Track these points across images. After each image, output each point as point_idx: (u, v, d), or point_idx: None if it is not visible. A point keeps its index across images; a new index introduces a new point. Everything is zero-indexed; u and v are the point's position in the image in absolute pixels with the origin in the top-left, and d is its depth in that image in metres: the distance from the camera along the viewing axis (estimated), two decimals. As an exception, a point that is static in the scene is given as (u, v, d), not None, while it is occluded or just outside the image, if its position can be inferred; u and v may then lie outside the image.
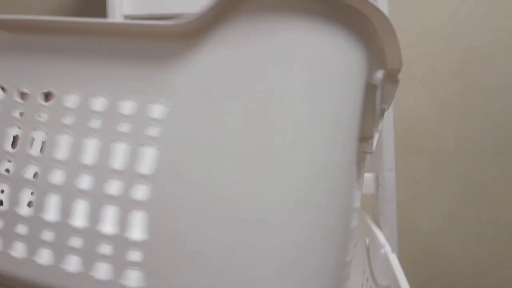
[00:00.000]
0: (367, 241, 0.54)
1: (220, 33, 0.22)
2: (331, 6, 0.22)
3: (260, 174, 0.21)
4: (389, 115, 0.56)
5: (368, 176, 0.57)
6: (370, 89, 0.26)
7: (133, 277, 0.22)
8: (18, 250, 0.24)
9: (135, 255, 0.22)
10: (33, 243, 0.24)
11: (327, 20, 0.22)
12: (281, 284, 0.21)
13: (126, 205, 0.23)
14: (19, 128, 0.25)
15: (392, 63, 0.28)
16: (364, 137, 0.28)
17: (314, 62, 0.22)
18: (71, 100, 0.24)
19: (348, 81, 0.24)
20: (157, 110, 0.23)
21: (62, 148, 0.24)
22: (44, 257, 0.24)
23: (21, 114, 0.25)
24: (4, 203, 0.24)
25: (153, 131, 0.23)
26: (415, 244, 0.83)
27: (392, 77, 0.30)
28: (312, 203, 0.22)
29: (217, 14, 0.22)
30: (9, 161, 0.25)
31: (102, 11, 0.56)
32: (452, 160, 0.82)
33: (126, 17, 0.55)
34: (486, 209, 0.83)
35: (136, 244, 0.22)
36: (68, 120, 0.24)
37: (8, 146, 0.25)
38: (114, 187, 0.23)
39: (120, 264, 0.22)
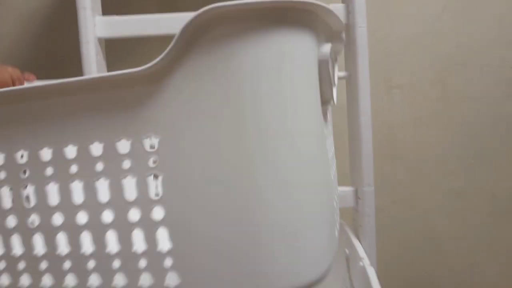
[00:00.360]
0: (347, 251, 0.58)
1: (187, 67, 0.25)
2: (281, 16, 0.25)
3: (254, 173, 0.26)
4: (367, 127, 0.56)
5: (348, 189, 0.59)
6: (322, 64, 0.30)
7: (170, 279, 0.28)
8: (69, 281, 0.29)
9: (167, 263, 0.28)
10: (83, 276, 0.29)
11: (281, 26, 0.25)
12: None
13: (149, 226, 0.27)
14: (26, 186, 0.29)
15: (335, 27, 0.31)
16: (325, 100, 0.32)
17: (278, 67, 0.26)
18: (72, 151, 0.28)
19: (307, 64, 0.28)
20: (150, 143, 0.27)
21: (79, 192, 0.28)
22: (94, 279, 0.29)
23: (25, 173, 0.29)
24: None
25: (152, 161, 0.27)
26: (394, 249, 0.86)
27: (338, 37, 0.33)
28: (314, 165, 0.27)
29: (179, 52, 0.24)
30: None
31: (75, 34, 0.54)
32: (431, 167, 0.83)
33: (100, 39, 0.54)
34: (463, 215, 0.85)
35: (166, 254, 0.27)
36: (74, 168, 0.28)
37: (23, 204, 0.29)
38: (134, 215, 0.27)
39: (158, 272, 0.27)
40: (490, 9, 0.79)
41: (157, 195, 0.27)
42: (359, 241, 0.59)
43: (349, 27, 0.57)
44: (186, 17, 0.24)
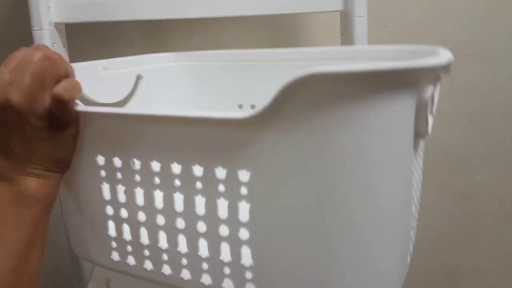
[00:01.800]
0: None
1: (280, 119, 0.27)
2: (374, 81, 0.25)
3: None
4: None
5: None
6: (420, 107, 0.29)
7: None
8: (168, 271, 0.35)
9: (248, 276, 0.32)
10: (177, 266, 0.34)
11: (375, 90, 0.26)
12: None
13: (235, 243, 0.31)
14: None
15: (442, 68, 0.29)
16: (419, 133, 0.32)
17: (369, 126, 0.26)
18: (177, 168, 0.32)
19: (400, 119, 0.28)
20: (243, 175, 0.30)
21: (180, 203, 0.32)
22: (187, 274, 0.34)
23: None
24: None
25: (243, 190, 0.30)
26: None
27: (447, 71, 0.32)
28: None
29: (277, 105, 0.26)
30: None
31: (27, 17, 0.47)
32: (436, 166, 0.77)
33: (57, 24, 0.48)
34: (467, 217, 0.80)
35: (247, 268, 0.31)
36: (177, 182, 0.32)
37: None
38: (223, 230, 0.31)
39: (239, 284, 0.32)
40: (514, -7, 0.68)
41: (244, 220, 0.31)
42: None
43: (347, 15, 0.50)
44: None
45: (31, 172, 0.34)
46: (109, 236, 0.37)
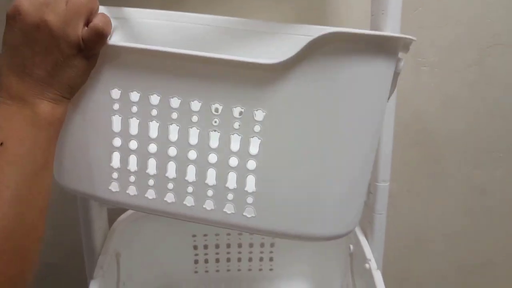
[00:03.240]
0: (351, 247, 0.56)
1: (299, 69, 0.34)
2: (372, 44, 0.33)
3: (326, 151, 0.36)
4: (390, 109, 0.48)
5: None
6: (395, 75, 0.39)
7: (248, 212, 0.38)
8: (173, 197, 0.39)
9: (249, 200, 0.38)
10: (181, 194, 0.39)
11: (372, 52, 0.34)
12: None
13: (242, 172, 0.37)
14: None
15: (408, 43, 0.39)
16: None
17: (365, 83, 0.35)
18: (196, 106, 0.36)
19: (387, 78, 0.37)
20: (259, 114, 0.36)
21: (195, 136, 0.37)
22: (191, 201, 0.39)
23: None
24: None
25: (256, 128, 0.36)
26: (401, 241, 0.79)
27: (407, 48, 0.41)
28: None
29: (301, 56, 0.33)
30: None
31: None
32: (455, 158, 0.74)
33: None
34: (484, 212, 0.78)
35: (250, 194, 0.38)
36: (195, 118, 0.37)
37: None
38: (233, 161, 0.37)
39: (240, 207, 0.38)
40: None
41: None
42: (366, 239, 0.55)
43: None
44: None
45: (47, 95, 0.35)
46: (111, 167, 0.40)
